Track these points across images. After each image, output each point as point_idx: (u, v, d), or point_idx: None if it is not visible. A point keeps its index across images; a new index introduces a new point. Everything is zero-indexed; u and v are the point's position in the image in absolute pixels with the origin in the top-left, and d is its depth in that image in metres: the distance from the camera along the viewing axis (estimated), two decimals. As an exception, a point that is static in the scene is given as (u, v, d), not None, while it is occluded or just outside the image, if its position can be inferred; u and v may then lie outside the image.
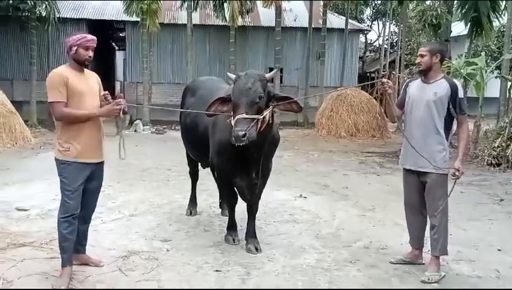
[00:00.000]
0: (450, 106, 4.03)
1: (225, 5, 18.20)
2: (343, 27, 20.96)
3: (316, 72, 20.08)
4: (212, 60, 20.93)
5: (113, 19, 20.42)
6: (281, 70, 19.78)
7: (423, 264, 4.33)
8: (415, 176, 4.23)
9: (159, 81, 20.38)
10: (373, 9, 29.76)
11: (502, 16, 17.90)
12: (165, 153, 11.54)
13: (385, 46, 26.79)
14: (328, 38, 19.87)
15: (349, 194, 7.34)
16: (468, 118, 4.29)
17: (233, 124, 3.93)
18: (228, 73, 4.34)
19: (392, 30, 28.15)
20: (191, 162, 5.91)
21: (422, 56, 4.12)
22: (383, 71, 25.47)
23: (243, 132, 3.78)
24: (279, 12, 18.08)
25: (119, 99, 3.86)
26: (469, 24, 16.00)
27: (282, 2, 18.24)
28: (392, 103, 4.28)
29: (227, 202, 4.96)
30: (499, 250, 4.84)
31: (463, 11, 16.08)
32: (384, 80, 4.19)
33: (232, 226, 4.92)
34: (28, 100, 17.22)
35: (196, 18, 19.92)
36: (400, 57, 21.16)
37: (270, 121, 4.13)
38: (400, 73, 22.88)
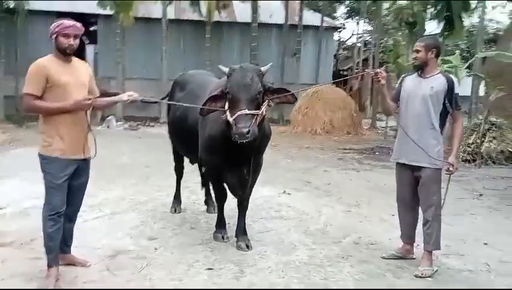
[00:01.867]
0: (446, 101, 4.05)
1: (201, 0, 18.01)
2: (319, 24, 21.07)
3: (291, 69, 20.11)
4: (187, 55, 20.65)
5: (85, 12, 19.87)
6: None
7: (414, 259, 4.34)
8: (409, 170, 4.22)
9: (132, 76, 19.97)
10: (346, 7, 30.01)
11: (472, 15, 18.41)
12: (141, 149, 11.35)
13: (358, 44, 27.05)
14: (303, 36, 19.93)
15: (332, 191, 7.34)
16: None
17: (232, 121, 3.80)
18: (220, 66, 4.18)
19: (365, 29, 28.44)
20: (177, 158, 5.77)
21: (417, 51, 4.11)
22: (356, 69, 25.72)
23: (247, 129, 3.68)
24: (255, 8, 18.01)
25: (131, 92, 3.77)
26: (442, 23, 16.38)
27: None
28: (387, 95, 4.26)
29: (216, 199, 4.85)
30: (486, 244, 4.91)
31: (436, 10, 16.45)
32: (378, 69, 4.17)
33: (220, 224, 4.81)
34: (-6, 95, 16.60)
35: (171, 13, 19.61)
36: (374, 55, 21.45)
37: (265, 114, 4.05)
38: (367, 70, 23.14)
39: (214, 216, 5.05)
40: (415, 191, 4.24)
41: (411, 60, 4.35)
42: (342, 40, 30.58)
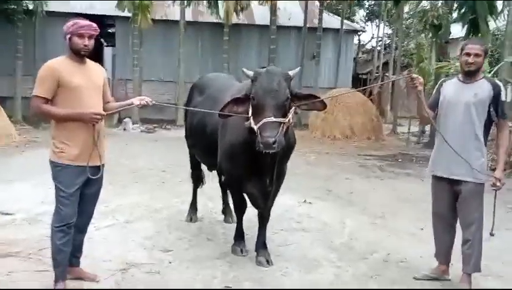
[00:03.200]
0: (491, 109, 3.69)
1: (219, 2, 17.79)
2: (338, 27, 20.70)
3: (310, 73, 19.76)
4: (204, 58, 20.45)
5: (103, 13, 19.82)
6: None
7: (449, 280, 3.99)
8: (447, 184, 3.86)
9: (149, 79, 19.84)
10: (367, 10, 29.57)
11: (499, 18, 17.83)
12: (157, 153, 11.11)
13: (378, 47, 26.59)
14: (322, 38, 19.58)
15: (355, 200, 6.99)
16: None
17: (256, 129, 3.50)
18: (244, 69, 3.87)
19: (386, 32, 27.96)
20: (195, 164, 5.50)
21: (478, 56, 3.72)
22: (376, 73, 25.29)
23: (273, 139, 3.36)
24: (274, 10, 17.74)
25: (143, 96, 3.61)
26: (466, 26, 15.85)
27: (278, 0, 17.88)
28: (424, 102, 3.90)
29: (235, 209, 4.55)
30: (526, 264, 4.52)
31: (461, 13, 15.93)
32: (414, 75, 3.81)
33: (239, 236, 4.51)
34: (12, 96, 16.60)
35: (189, 15, 19.45)
36: (395, 59, 21.01)
37: (291, 122, 3.74)
38: (393, 75, 22.69)
39: (232, 227, 4.79)
40: (454, 207, 3.89)
41: (459, 64, 3.92)
42: (361, 43, 30.12)
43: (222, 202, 5.61)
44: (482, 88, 3.72)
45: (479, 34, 16.62)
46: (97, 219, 5.17)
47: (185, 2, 17.71)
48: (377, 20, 28.14)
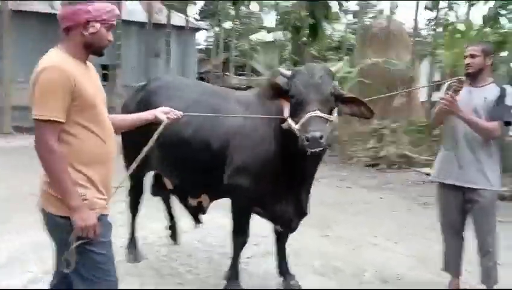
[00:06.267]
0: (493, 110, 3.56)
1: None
2: (182, 24, 20.07)
3: (156, 71, 18.75)
4: (34, 53, 17.55)
5: None
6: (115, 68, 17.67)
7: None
8: (459, 192, 3.70)
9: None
10: (204, 7, 29.18)
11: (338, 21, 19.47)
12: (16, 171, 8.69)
13: (215, 46, 26.67)
14: (166, 36, 18.71)
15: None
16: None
17: (298, 127, 2.90)
18: (279, 68, 3.29)
19: (217, 30, 28.15)
20: (138, 189, 4.38)
21: (473, 56, 3.59)
22: (215, 72, 25.34)
23: (321, 133, 2.75)
24: (118, 4, 16.22)
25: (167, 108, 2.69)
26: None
27: None
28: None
29: (238, 241, 3.66)
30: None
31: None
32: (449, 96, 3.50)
33: (235, 275, 3.70)
34: None
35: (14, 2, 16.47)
36: (231, 59, 21.38)
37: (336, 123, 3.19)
38: (229, 74, 23.09)
39: (202, 257, 4.23)
40: (463, 216, 3.77)
41: (465, 66, 3.76)
42: (198, 41, 29.77)
43: (170, 217, 4.79)
44: (492, 92, 3.60)
45: (317, 37, 17.94)
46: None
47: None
48: (213, 18, 28.02)
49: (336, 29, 23.71)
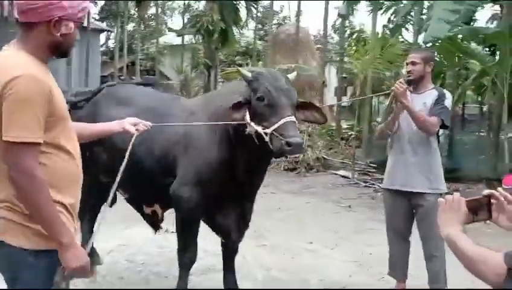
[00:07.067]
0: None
1: None
2: (84, 25, 18.81)
3: (59, 73, 17.41)
4: None
5: None
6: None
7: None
8: (404, 198, 3.76)
9: None
10: (103, 8, 27.60)
11: (243, 29, 19.61)
12: None
13: (119, 49, 25.42)
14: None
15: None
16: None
17: (269, 131, 2.83)
18: (240, 68, 3.22)
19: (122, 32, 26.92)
20: (94, 204, 3.84)
21: (414, 64, 3.68)
22: (119, 76, 24.14)
23: (302, 139, 2.86)
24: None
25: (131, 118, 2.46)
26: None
27: None
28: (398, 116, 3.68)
29: (185, 258, 3.40)
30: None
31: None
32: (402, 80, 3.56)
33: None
34: None
35: None
36: (135, 62, 20.60)
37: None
38: (134, 77, 22.29)
39: (136, 279, 3.81)
40: (410, 221, 3.85)
41: (405, 73, 3.85)
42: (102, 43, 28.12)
43: (88, 230, 4.12)
44: (431, 97, 3.71)
45: (228, 42, 17.90)
46: None
47: None
48: (115, 19, 26.63)
49: (244, 35, 24.00)
